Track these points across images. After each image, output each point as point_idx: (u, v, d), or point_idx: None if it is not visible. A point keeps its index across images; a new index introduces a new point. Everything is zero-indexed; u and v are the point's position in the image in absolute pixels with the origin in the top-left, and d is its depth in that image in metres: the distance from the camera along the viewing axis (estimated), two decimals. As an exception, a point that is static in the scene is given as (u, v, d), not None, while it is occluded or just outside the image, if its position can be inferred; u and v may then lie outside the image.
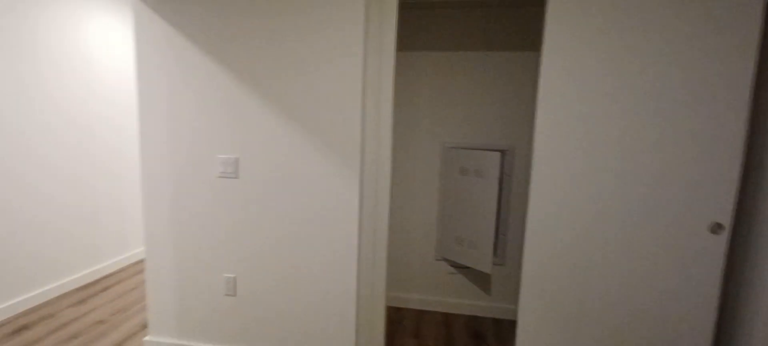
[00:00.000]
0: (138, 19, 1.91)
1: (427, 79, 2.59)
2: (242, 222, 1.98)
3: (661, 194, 1.69)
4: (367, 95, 1.86)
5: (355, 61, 1.78)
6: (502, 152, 2.54)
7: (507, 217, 2.59)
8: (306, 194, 1.90)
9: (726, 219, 1.65)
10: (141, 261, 3.56)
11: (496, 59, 2.48)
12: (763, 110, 1.67)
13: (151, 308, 2.13)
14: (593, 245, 1.78)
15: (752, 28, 1.54)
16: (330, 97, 1.82)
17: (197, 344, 2.10)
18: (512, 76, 2.48)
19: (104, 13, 3.07)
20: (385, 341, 2.15)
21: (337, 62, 1.80)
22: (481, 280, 2.71)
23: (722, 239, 1.67)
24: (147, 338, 2.16)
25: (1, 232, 2.44)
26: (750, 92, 1.57)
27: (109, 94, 3.17)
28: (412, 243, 2.76)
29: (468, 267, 2.68)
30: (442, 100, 2.59)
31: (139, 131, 1.99)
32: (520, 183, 2.55)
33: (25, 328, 2.37)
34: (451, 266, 2.73)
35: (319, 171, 1.88)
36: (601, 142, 1.72)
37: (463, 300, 2.74)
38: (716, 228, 1.66)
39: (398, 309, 2.77)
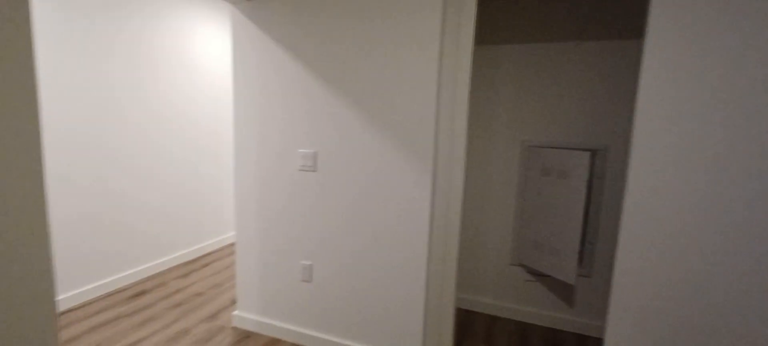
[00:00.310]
0: (235, 24, 2.12)
1: (507, 74, 2.45)
2: (319, 214, 2.08)
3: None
4: (441, 92, 1.82)
5: (431, 56, 1.75)
6: (593, 152, 2.30)
7: (596, 223, 2.34)
8: (378, 191, 1.93)
9: None
10: (234, 243, 3.97)
11: (587, 49, 2.25)
12: None
13: (239, 287, 2.36)
14: (701, 262, 1.52)
15: None
16: (404, 95, 1.82)
17: (278, 323, 2.28)
18: (605, 68, 2.22)
19: (207, 25, 3.47)
20: (453, 343, 2.09)
21: (411, 61, 1.79)
22: (562, 290, 2.49)
23: None
24: (235, 312, 2.40)
25: (129, 214, 2.91)
26: None
27: (211, 92, 3.58)
28: (486, 245, 2.64)
29: (548, 276, 2.49)
30: (523, 96, 2.42)
31: (234, 126, 2.21)
32: (614, 187, 2.28)
33: (143, 292, 2.80)
34: (529, 272, 2.55)
35: (392, 168, 1.89)
36: (715, 143, 1.45)
37: (540, 310, 2.55)
38: None
39: (468, 312, 2.68)
